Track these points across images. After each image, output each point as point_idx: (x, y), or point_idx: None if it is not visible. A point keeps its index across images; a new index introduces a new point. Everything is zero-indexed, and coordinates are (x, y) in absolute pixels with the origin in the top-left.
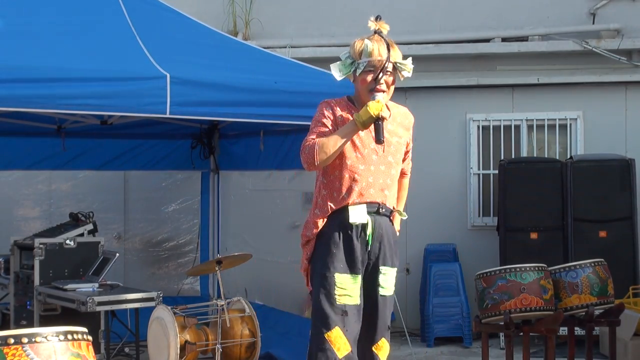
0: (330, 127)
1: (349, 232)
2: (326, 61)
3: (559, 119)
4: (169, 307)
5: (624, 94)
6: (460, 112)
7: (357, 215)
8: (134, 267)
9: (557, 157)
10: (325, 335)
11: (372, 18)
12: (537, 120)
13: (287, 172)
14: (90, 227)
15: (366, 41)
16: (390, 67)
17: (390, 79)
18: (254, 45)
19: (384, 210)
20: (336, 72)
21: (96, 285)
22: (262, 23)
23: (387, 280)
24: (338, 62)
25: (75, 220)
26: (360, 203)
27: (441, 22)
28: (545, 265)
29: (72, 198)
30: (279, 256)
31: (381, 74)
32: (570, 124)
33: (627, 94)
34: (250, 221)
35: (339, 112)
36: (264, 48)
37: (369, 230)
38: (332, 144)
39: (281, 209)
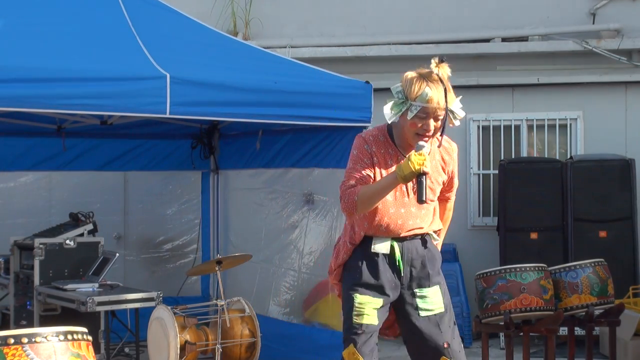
0: (369, 172)
1: (375, 258)
2: (326, 61)
3: (559, 119)
4: (169, 307)
5: (624, 94)
6: None
7: (380, 245)
8: (134, 267)
9: (557, 157)
10: (343, 354)
11: (436, 59)
12: (537, 120)
13: (285, 171)
14: (90, 227)
15: (426, 89)
16: (443, 115)
17: (439, 124)
18: (254, 45)
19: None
20: (389, 114)
21: (96, 285)
22: (262, 23)
23: (427, 300)
24: (390, 102)
25: (75, 220)
26: (386, 236)
27: (441, 22)
28: (545, 265)
29: (72, 198)
30: (274, 258)
31: (432, 122)
32: (570, 124)
33: (627, 94)
34: (250, 221)
35: (376, 151)
36: (264, 48)
37: (397, 256)
38: (373, 196)
39: (281, 209)
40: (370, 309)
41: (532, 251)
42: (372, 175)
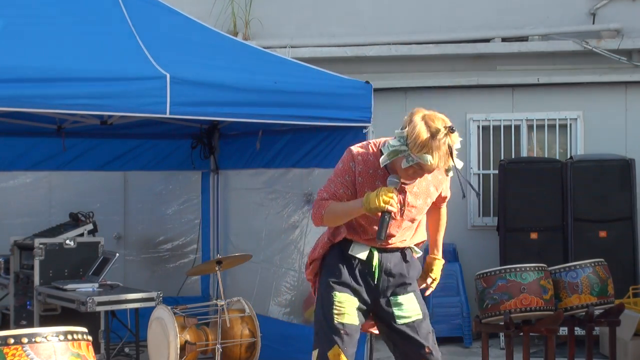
0: (345, 191)
1: (352, 261)
2: (326, 61)
3: (559, 119)
4: (169, 307)
5: (624, 94)
6: (460, 112)
7: (359, 253)
8: (134, 267)
9: (557, 157)
10: (328, 354)
11: (446, 129)
12: (537, 120)
13: (286, 171)
14: (90, 227)
15: (428, 156)
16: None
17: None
18: (254, 45)
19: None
20: (384, 159)
21: (96, 285)
22: (262, 23)
23: (403, 308)
24: (392, 148)
25: (75, 220)
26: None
27: (441, 22)
28: (545, 265)
29: (72, 198)
30: (275, 258)
31: (425, 174)
32: (570, 124)
33: (627, 94)
34: (250, 221)
35: (362, 171)
36: (264, 48)
37: (374, 263)
38: (339, 216)
39: (281, 209)
40: (350, 308)
41: (532, 251)
42: (350, 194)
